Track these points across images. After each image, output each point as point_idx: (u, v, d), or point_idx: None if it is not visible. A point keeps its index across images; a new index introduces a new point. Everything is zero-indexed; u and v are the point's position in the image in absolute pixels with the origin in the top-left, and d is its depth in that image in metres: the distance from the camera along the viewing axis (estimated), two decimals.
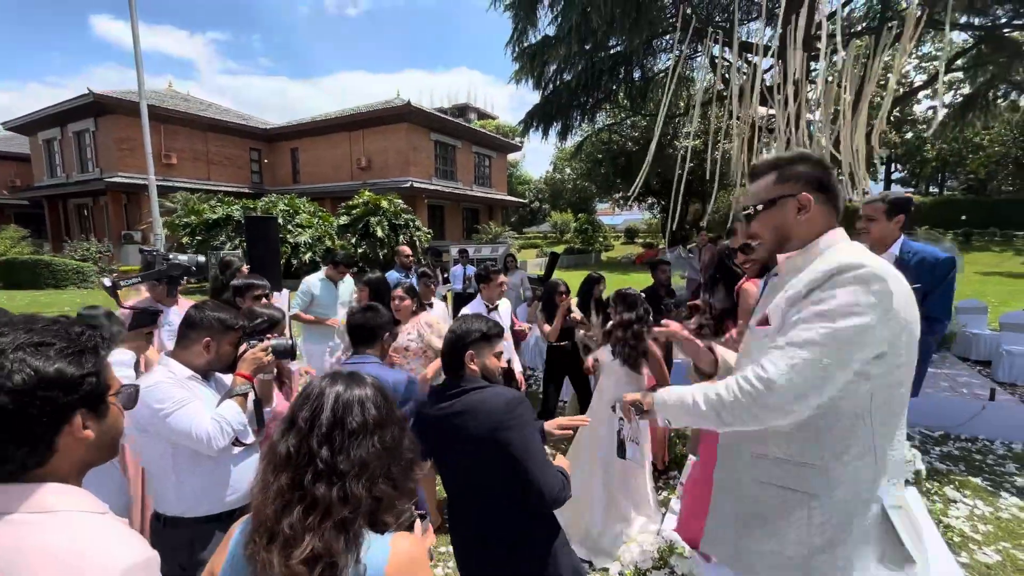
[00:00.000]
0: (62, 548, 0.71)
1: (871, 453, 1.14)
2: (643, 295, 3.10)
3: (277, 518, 0.90)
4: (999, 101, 10.67)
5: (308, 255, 15.01)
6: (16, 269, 15.94)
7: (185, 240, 15.13)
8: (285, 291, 4.31)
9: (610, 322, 3.08)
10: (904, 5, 8.95)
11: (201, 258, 2.96)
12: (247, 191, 23.36)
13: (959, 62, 10.27)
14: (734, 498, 1.31)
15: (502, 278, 3.92)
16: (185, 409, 1.61)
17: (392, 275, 5.17)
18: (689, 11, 8.63)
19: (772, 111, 5.30)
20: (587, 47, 8.91)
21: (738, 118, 5.58)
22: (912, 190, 32.59)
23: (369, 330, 2.26)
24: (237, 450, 1.75)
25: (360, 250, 15.81)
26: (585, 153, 23.59)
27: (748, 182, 1.40)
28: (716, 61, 6.31)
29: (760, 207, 1.28)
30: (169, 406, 1.59)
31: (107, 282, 2.50)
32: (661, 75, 10.24)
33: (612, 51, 9.65)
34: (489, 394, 1.55)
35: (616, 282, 4.93)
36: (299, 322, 4.48)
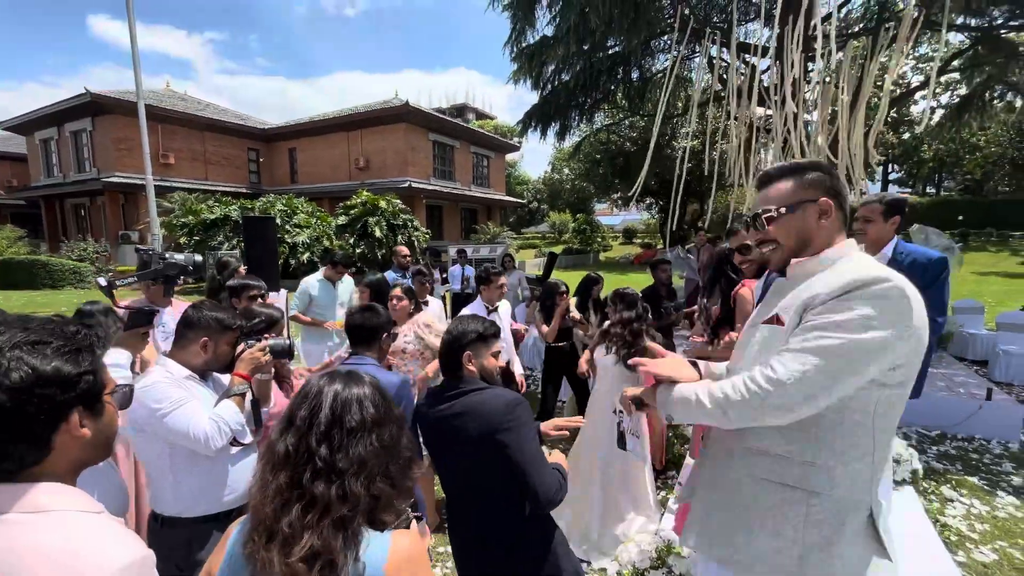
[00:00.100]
0: (56, 548, 0.70)
1: (871, 454, 1.15)
2: (641, 295, 3.11)
3: (276, 517, 0.90)
4: (995, 102, 10.73)
5: (306, 255, 14.97)
6: (13, 269, 15.85)
7: (183, 240, 15.08)
8: (283, 291, 4.29)
9: (607, 321, 3.08)
10: (901, 6, 8.98)
11: (198, 257, 2.94)
12: (245, 191, 23.27)
13: (956, 63, 10.31)
14: (728, 495, 1.30)
15: (503, 280, 3.90)
16: (183, 409, 1.61)
17: (389, 275, 5.16)
18: (687, 12, 8.65)
19: (770, 111, 5.31)
20: (585, 47, 8.92)
21: (736, 118, 5.59)
22: (909, 190, 32.74)
23: (367, 331, 2.24)
24: (235, 450, 1.75)
25: (358, 250, 15.77)
26: (583, 153, 23.55)
27: (758, 187, 1.40)
28: (714, 61, 6.32)
29: (783, 210, 1.28)
30: (166, 406, 1.59)
31: (102, 282, 2.48)
32: (659, 75, 10.25)
33: (610, 51, 9.67)
34: (488, 396, 1.55)
35: (614, 282, 4.94)
36: (298, 323, 4.47)
